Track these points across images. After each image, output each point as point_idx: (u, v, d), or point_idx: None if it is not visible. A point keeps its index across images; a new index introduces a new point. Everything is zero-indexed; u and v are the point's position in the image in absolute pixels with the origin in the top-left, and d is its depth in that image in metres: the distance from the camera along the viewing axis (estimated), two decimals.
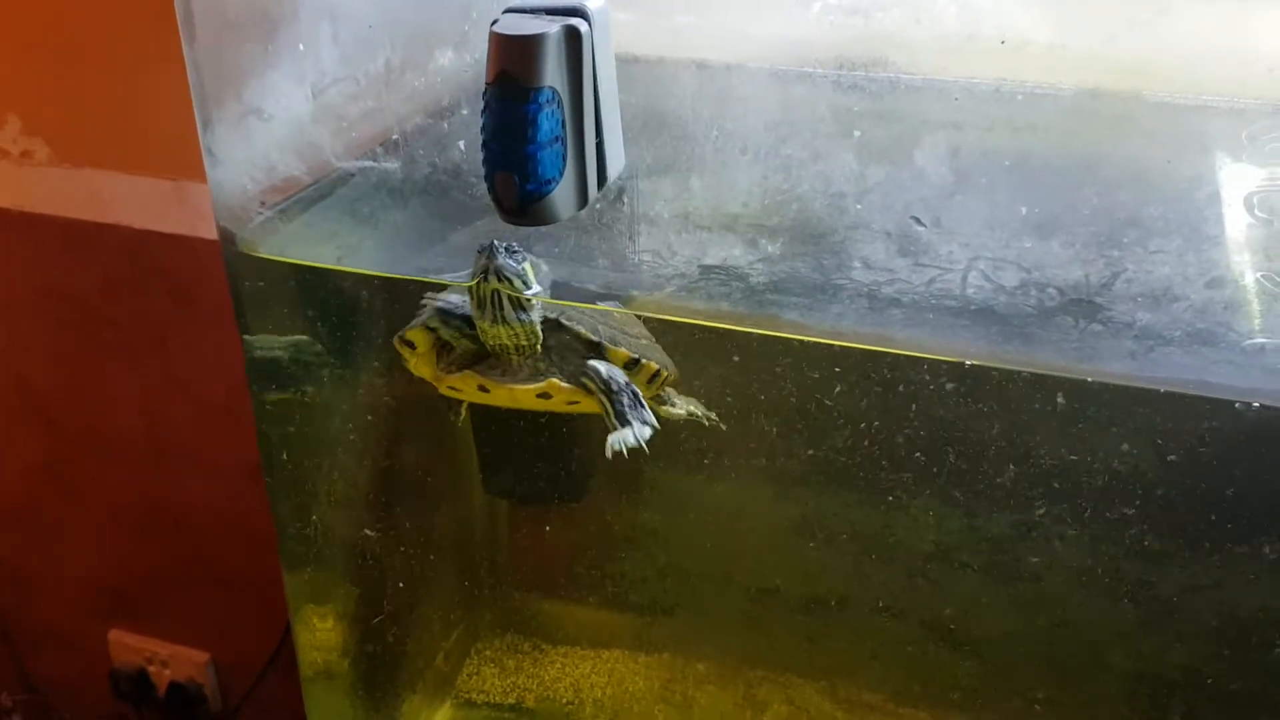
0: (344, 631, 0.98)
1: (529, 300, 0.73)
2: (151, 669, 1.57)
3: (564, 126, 0.64)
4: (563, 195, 0.66)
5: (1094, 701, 0.89)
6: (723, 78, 0.85)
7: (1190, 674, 0.87)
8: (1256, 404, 0.61)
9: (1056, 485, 0.80)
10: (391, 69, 0.88)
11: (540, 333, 0.75)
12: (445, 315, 0.77)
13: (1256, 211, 0.75)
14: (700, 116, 0.79)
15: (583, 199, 0.67)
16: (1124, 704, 0.90)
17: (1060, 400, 0.74)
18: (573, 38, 0.63)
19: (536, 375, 0.77)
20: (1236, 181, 0.78)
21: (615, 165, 0.70)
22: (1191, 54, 0.81)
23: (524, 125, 0.63)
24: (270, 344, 0.85)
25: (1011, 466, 0.80)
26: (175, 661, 1.56)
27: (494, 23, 0.64)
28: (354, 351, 0.88)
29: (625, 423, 0.77)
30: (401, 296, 0.81)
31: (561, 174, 0.65)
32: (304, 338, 0.85)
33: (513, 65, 0.62)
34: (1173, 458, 0.75)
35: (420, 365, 0.81)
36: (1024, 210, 0.66)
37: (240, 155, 0.78)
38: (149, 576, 1.53)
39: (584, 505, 1.02)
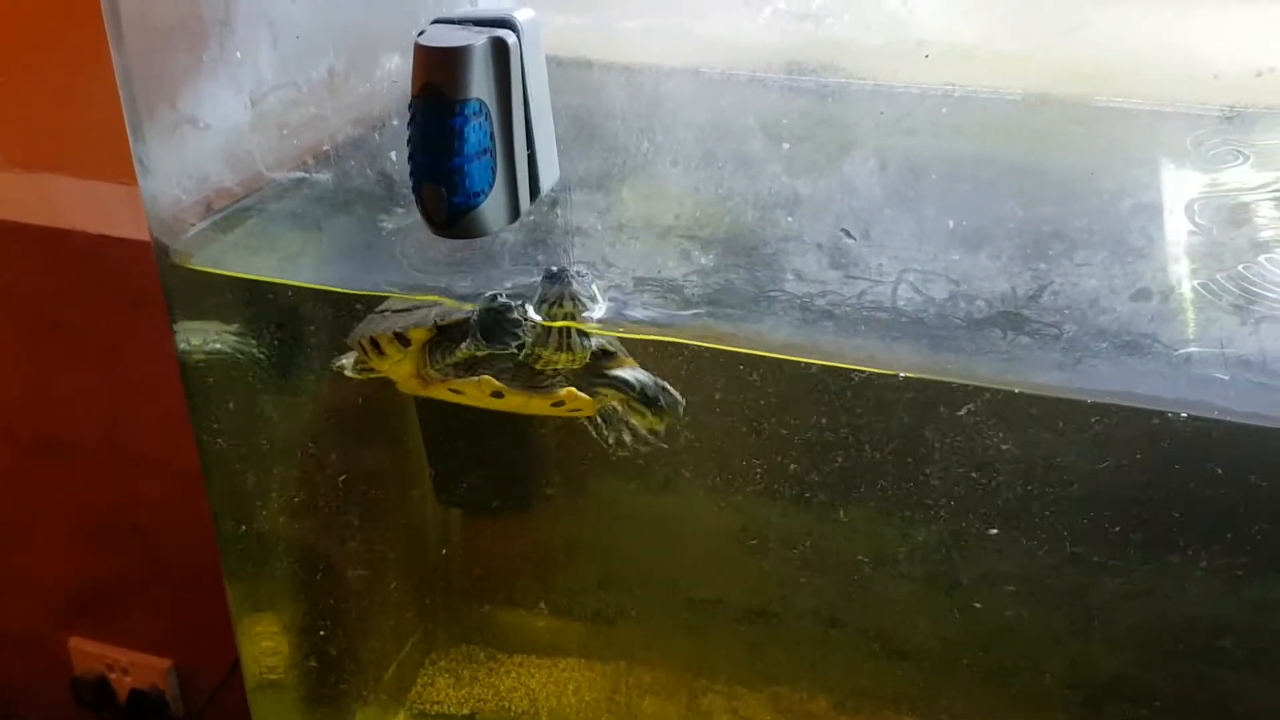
0: (291, 642, 0.97)
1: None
2: (113, 676, 1.56)
3: (492, 139, 0.64)
4: (493, 208, 0.65)
5: (1032, 708, 0.90)
6: (667, 83, 0.84)
7: (1124, 681, 0.87)
8: (1184, 414, 0.61)
9: (991, 495, 0.80)
10: (335, 75, 0.87)
11: (590, 353, 0.75)
12: (493, 331, 0.73)
13: (1197, 219, 0.75)
14: (642, 124, 0.78)
15: (514, 211, 0.67)
16: (1061, 711, 0.90)
17: (992, 411, 0.74)
18: (500, 50, 0.63)
19: (555, 384, 0.77)
20: (1179, 188, 0.78)
21: (549, 177, 0.69)
22: (1140, 59, 0.81)
23: (450, 138, 0.62)
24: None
25: (946, 476, 0.80)
26: (136, 669, 1.55)
27: (420, 34, 0.64)
28: (294, 361, 0.88)
29: (658, 407, 0.78)
30: (339, 307, 0.81)
31: (491, 186, 0.64)
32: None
33: (438, 77, 0.62)
34: (1104, 468, 0.75)
35: (403, 364, 0.78)
36: (950, 223, 0.65)
37: (174, 165, 0.78)
38: (109, 583, 1.52)
39: (536, 515, 1.02)
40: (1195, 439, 0.67)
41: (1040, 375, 0.62)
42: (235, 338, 0.83)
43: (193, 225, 0.78)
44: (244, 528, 0.89)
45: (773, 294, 0.67)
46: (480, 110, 0.63)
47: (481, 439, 0.99)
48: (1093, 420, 0.71)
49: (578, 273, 0.70)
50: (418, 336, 0.76)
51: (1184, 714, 0.86)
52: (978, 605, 0.85)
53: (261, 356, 0.84)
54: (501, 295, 0.72)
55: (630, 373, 0.78)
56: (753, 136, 0.74)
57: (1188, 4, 0.81)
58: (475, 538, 1.09)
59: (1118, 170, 0.80)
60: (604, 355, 0.77)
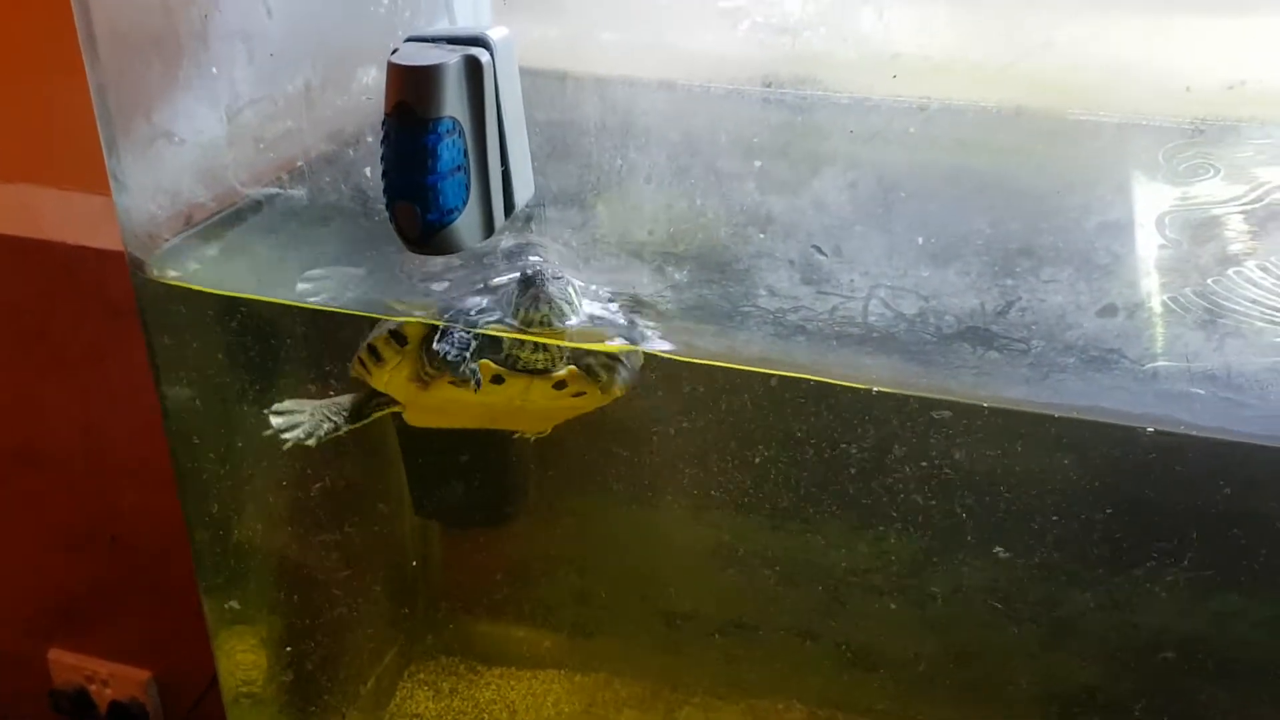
0: (269, 655, 0.97)
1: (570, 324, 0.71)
2: (92, 688, 1.55)
3: (466, 156, 0.64)
4: (467, 224, 0.65)
5: (1007, 717, 0.90)
6: (645, 96, 0.85)
7: (1093, 691, 0.88)
8: (1150, 429, 0.61)
9: (962, 510, 0.80)
10: (312, 90, 0.87)
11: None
12: (448, 352, 0.74)
13: (1167, 233, 0.76)
14: (619, 139, 0.78)
15: (489, 228, 0.67)
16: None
17: (964, 426, 0.74)
18: (473, 68, 0.63)
19: (551, 366, 0.76)
20: (1150, 202, 0.79)
21: (524, 193, 0.69)
22: (1113, 72, 0.82)
23: (424, 155, 0.62)
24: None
25: (920, 491, 0.81)
26: (116, 680, 1.54)
27: (393, 52, 0.64)
28: (267, 375, 0.88)
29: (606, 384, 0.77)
30: (316, 322, 0.81)
31: (465, 203, 0.65)
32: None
33: (411, 96, 0.62)
34: (1073, 482, 0.75)
35: (402, 366, 0.78)
36: (920, 240, 0.66)
37: (149, 180, 0.77)
38: (88, 594, 1.51)
39: (515, 528, 1.02)
40: (1163, 453, 0.67)
41: (1009, 389, 0.62)
42: (209, 352, 0.83)
43: (167, 240, 0.77)
44: (220, 541, 0.89)
45: (746, 309, 0.67)
46: (454, 128, 0.63)
47: (459, 452, 0.99)
48: (1061, 434, 0.72)
49: (554, 275, 0.69)
50: (414, 332, 0.76)
51: None
52: (949, 617, 0.86)
53: (235, 370, 0.84)
54: (453, 315, 0.72)
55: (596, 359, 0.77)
56: (727, 151, 0.74)
57: (1161, 18, 0.82)
58: (454, 551, 1.09)
59: (1090, 184, 0.80)
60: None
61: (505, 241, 0.74)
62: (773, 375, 0.69)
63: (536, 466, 0.99)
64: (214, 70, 0.79)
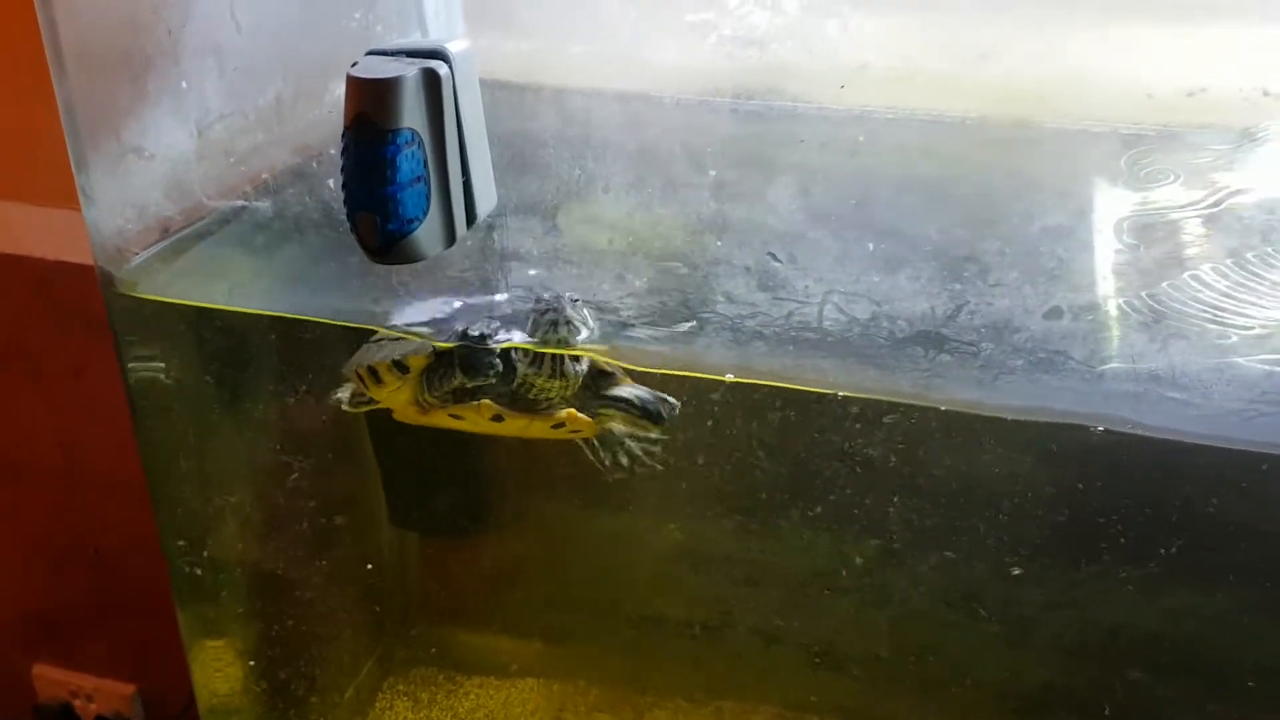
0: (245, 667, 0.97)
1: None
2: (77, 703, 1.55)
3: (426, 166, 0.65)
4: (428, 234, 0.66)
5: (968, 715, 0.91)
6: (615, 108, 0.86)
7: (1052, 688, 0.88)
8: (1100, 429, 0.62)
9: (921, 511, 0.81)
10: (283, 103, 0.88)
11: (581, 378, 0.75)
12: (474, 363, 0.75)
13: (1125, 238, 0.77)
14: (588, 149, 0.79)
15: (450, 237, 0.68)
16: (994, 717, 0.91)
17: (920, 428, 0.75)
18: (431, 80, 0.64)
19: (555, 406, 0.77)
20: (1110, 207, 0.80)
21: (486, 203, 0.70)
22: (1077, 80, 0.83)
23: (383, 166, 0.63)
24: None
25: (880, 493, 0.82)
26: (101, 695, 1.54)
27: (353, 65, 0.65)
28: (240, 387, 0.88)
29: (660, 419, 0.78)
30: (285, 334, 0.81)
31: (425, 213, 0.66)
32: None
33: (370, 108, 0.63)
34: (1028, 482, 0.76)
35: (402, 391, 0.79)
36: (871, 247, 0.67)
37: (119, 195, 0.78)
38: (72, 609, 1.51)
39: (490, 537, 1.03)
40: (1114, 452, 0.68)
41: (961, 392, 0.63)
42: (180, 364, 0.84)
43: (136, 253, 0.78)
44: (193, 553, 0.89)
45: (705, 315, 0.68)
46: (413, 139, 0.64)
47: (436, 463, 1.00)
48: (1015, 435, 0.73)
49: (570, 299, 0.70)
50: (416, 364, 0.77)
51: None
52: (911, 616, 0.86)
53: (207, 382, 0.85)
54: (481, 328, 0.73)
55: (630, 390, 0.78)
56: (688, 162, 0.75)
57: (1122, 27, 0.83)
58: (431, 560, 1.09)
59: (1051, 191, 0.82)
60: (601, 376, 0.77)
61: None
62: (733, 380, 0.69)
63: (510, 475, 1.00)
64: (184, 85, 0.80)
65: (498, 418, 0.77)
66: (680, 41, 0.86)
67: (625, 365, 0.75)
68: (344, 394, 0.85)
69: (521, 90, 0.87)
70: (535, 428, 0.78)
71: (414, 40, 0.68)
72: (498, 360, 0.74)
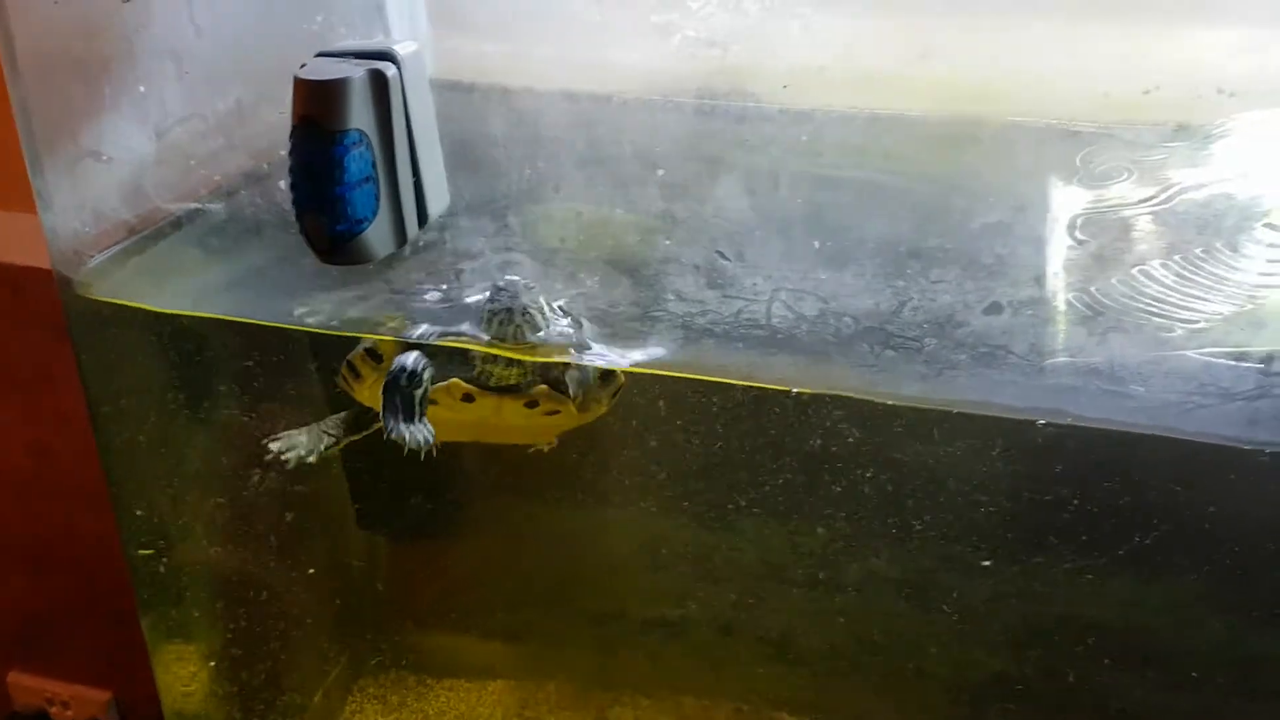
0: (210, 673, 0.97)
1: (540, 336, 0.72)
2: (53, 710, 1.54)
3: (375, 167, 0.65)
4: (377, 234, 0.66)
5: (921, 705, 0.91)
6: (578, 109, 0.86)
7: (1001, 677, 0.89)
8: (1042, 422, 0.63)
9: (872, 505, 0.82)
10: (244, 106, 0.88)
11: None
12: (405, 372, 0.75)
13: (1078, 234, 0.78)
14: (549, 150, 0.80)
15: (401, 237, 0.68)
16: (948, 710, 0.92)
17: (869, 422, 0.76)
18: (379, 81, 0.64)
19: (527, 384, 0.77)
20: (1064, 204, 0.81)
21: (438, 203, 0.71)
22: (1035, 80, 0.83)
23: (330, 167, 0.63)
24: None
25: (832, 487, 0.82)
26: (77, 702, 1.53)
27: (301, 67, 0.65)
28: (199, 389, 0.88)
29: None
30: (243, 336, 0.81)
31: (375, 214, 0.66)
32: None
33: (316, 110, 0.63)
34: (978, 475, 0.77)
35: (379, 381, 0.78)
36: (816, 244, 0.68)
37: (76, 199, 0.78)
38: (46, 616, 1.50)
39: (458, 539, 1.03)
40: (1060, 444, 0.69)
41: (907, 386, 0.64)
42: (138, 366, 0.84)
43: (93, 257, 0.78)
44: (156, 559, 0.89)
45: (656, 314, 0.68)
46: (361, 140, 0.64)
47: (401, 467, 1.00)
48: (963, 428, 0.73)
49: (526, 286, 0.70)
50: (389, 350, 0.77)
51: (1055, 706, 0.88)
52: (864, 609, 0.87)
53: (165, 385, 0.85)
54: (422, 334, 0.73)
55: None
56: (641, 161, 0.76)
57: (1080, 27, 0.84)
58: (399, 564, 1.09)
59: (1007, 189, 0.82)
60: (607, 376, 0.77)
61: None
62: (686, 377, 0.70)
63: (476, 478, 1.00)
64: (142, 89, 0.81)
65: (468, 397, 0.77)
66: (645, 42, 0.86)
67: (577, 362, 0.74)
68: (286, 448, 0.86)
69: (487, 92, 0.87)
70: (508, 408, 0.77)
71: (362, 42, 0.68)
72: (417, 383, 0.75)
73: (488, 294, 0.72)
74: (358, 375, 0.80)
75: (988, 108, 0.84)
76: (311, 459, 0.86)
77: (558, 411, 0.78)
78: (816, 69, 0.86)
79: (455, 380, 0.76)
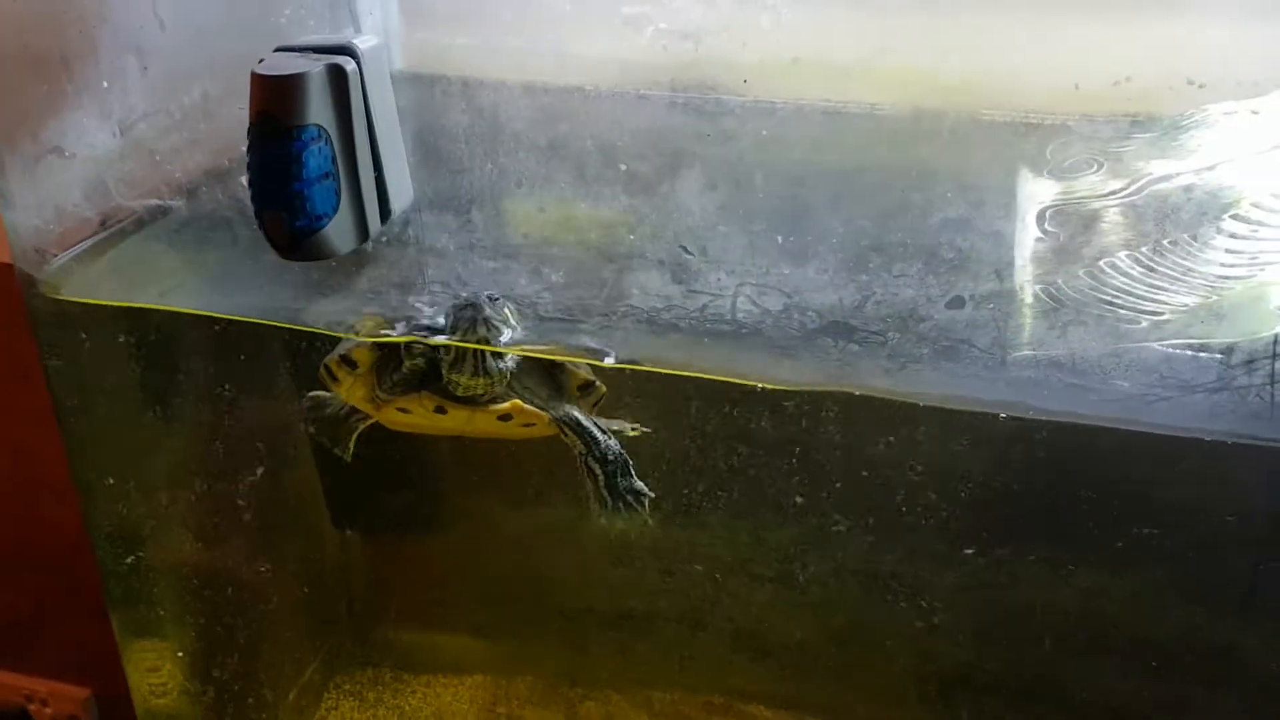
0: (183, 671, 0.96)
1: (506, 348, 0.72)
2: (32, 707, 1.54)
3: (335, 163, 0.65)
4: (338, 230, 0.66)
5: (890, 698, 0.92)
6: (546, 102, 0.86)
7: (969, 668, 0.89)
8: (1003, 415, 0.63)
9: (838, 498, 0.82)
10: (210, 100, 0.87)
11: (509, 374, 0.75)
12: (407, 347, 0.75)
13: (1047, 226, 0.78)
14: (516, 142, 0.79)
15: (363, 233, 0.68)
16: (916, 701, 0.92)
17: (833, 417, 0.76)
18: (337, 76, 0.64)
19: (497, 397, 0.76)
20: (1033, 197, 0.81)
21: (401, 198, 0.70)
22: (1006, 72, 0.83)
23: (289, 163, 0.63)
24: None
25: (797, 480, 0.82)
26: (55, 699, 1.52)
27: (259, 62, 0.65)
28: (167, 386, 0.88)
29: (617, 494, 0.78)
30: (211, 332, 0.81)
31: (335, 209, 0.65)
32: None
33: (274, 105, 0.63)
34: (943, 467, 0.77)
35: (356, 387, 0.79)
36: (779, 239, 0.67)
37: (38, 196, 0.77)
38: (25, 613, 1.50)
39: (433, 536, 1.02)
40: (1023, 437, 0.69)
41: (871, 380, 0.64)
42: (103, 363, 0.83)
43: (57, 255, 0.78)
44: (125, 556, 0.89)
45: (621, 309, 0.68)
46: (319, 135, 0.64)
47: (374, 463, 0.99)
48: (927, 421, 0.73)
49: (490, 298, 0.70)
50: (362, 357, 0.77)
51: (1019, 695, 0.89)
52: (830, 601, 0.87)
53: (130, 382, 0.84)
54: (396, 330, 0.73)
55: (602, 432, 0.78)
56: (607, 156, 0.75)
57: (1049, 19, 0.84)
58: (374, 560, 1.09)
59: (977, 182, 0.82)
60: (586, 388, 0.77)
61: None
62: (651, 372, 0.69)
63: (449, 475, 1.00)
64: (105, 84, 0.80)
65: (440, 409, 0.77)
66: (617, 35, 0.86)
67: (590, 362, 0.74)
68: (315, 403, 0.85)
69: (457, 85, 0.87)
70: (480, 419, 0.77)
71: (322, 37, 0.67)
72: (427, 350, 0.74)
73: (451, 307, 0.71)
74: (334, 379, 0.80)
75: (958, 100, 0.84)
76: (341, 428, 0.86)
77: (533, 424, 0.79)
78: (789, 61, 0.85)
79: (426, 393, 0.76)
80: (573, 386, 0.78)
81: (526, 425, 0.79)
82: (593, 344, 0.68)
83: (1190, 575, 0.80)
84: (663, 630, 0.96)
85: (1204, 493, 0.75)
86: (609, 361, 0.69)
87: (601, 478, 0.78)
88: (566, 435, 0.79)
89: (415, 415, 0.79)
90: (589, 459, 0.78)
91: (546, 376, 0.78)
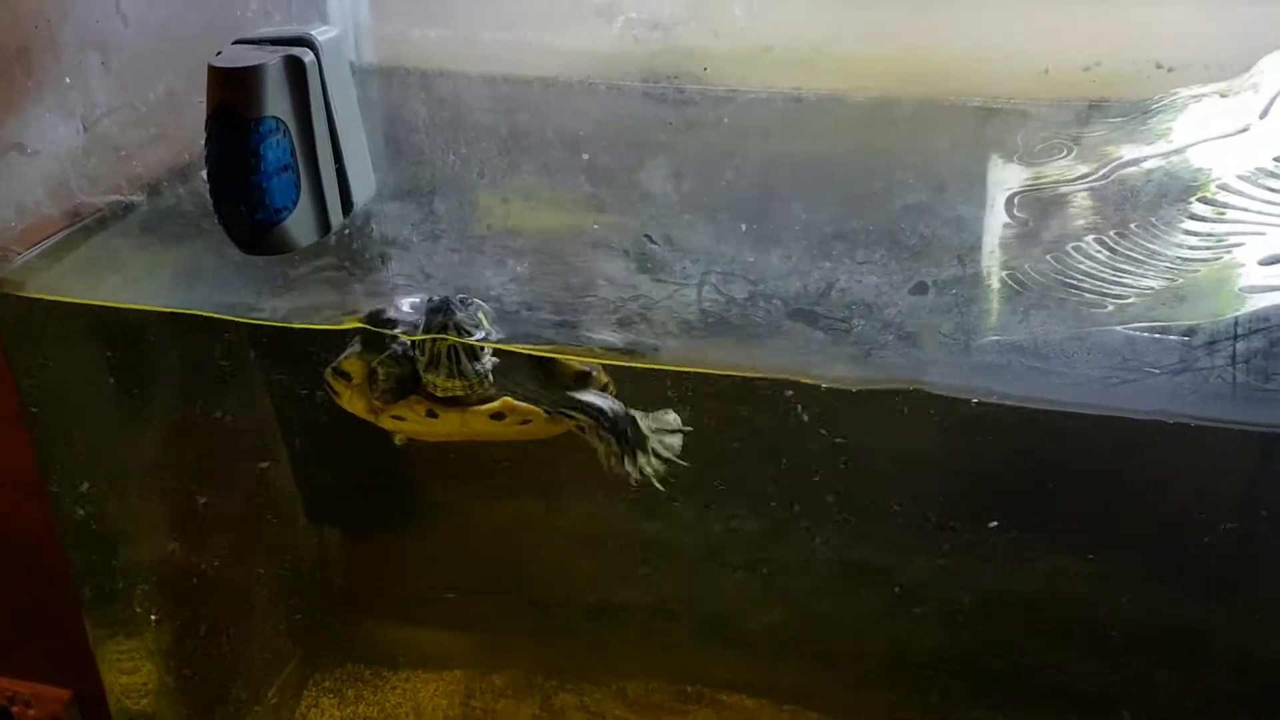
0: (159, 670, 0.96)
1: (482, 349, 0.72)
2: (15, 709, 1.53)
3: (294, 155, 0.64)
4: (299, 223, 0.65)
5: (861, 684, 0.92)
6: (516, 93, 0.85)
7: (941, 653, 0.89)
8: (975, 400, 0.63)
9: (807, 486, 0.82)
10: (176, 96, 0.87)
11: (491, 376, 0.74)
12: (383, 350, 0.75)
13: (1015, 212, 0.78)
14: (455, 134, 0.79)
15: (324, 226, 0.67)
16: (887, 687, 0.92)
17: (801, 404, 0.75)
18: (295, 68, 0.63)
19: (487, 397, 0.76)
20: (1003, 182, 0.81)
21: (363, 191, 0.70)
22: (976, 58, 0.83)
23: (247, 156, 0.62)
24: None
25: (766, 470, 0.82)
26: (38, 700, 1.51)
27: (217, 55, 0.64)
28: (134, 385, 0.87)
29: (634, 454, 0.77)
30: (177, 330, 0.80)
31: (295, 203, 0.65)
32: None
33: (232, 97, 0.62)
34: (910, 453, 0.77)
35: (355, 398, 0.79)
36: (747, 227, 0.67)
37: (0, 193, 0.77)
38: (5, 613, 1.49)
39: (410, 533, 1.02)
40: (990, 422, 0.69)
41: (838, 368, 0.63)
42: (72, 363, 0.83)
43: (19, 253, 0.77)
44: (98, 556, 0.88)
45: (587, 300, 0.68)
46: (278, 128, 0.63)
47: (348, 458, 0.99)
48: (896, 407, 0.73)
49: (462, 300, 0.69)
50: (354, 368, 0.77)
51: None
52: (801, 590, 0.87)
53: (100, 379, 0.84)
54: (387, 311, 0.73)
55: (602, 399, 0.77)
56: (569, 145, 0.75)
57: (1022, 3, 0.84)
58: (351, 556, 1.09)
59: (946, 167, 0.82)
60: (582, 378, 0.77)
61: None
62: (620, 364, 0.69)
63: (426, 471, 0.99)
64: (67, 80, 0.79)
65: (431, 413, 0.77)
66: (587, 26, 0.86)
67: (595, 360, 0.74)
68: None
69: (426, 77, 0.86)
70: (474, 421, 0.77)
71: (280, 29, 0.67)
72: (398, 346, 0.74)
73: (422, 308, 0.71)
74: (334, 391, 0.79)
75: (930, 87, 0.84)
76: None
77: (529, 420, 0.78)
78: (760, 50, 0.85)
79: (414, 396, 0.76)
80: (566, 377, 0.78)
81: (524, 423, 0.78)
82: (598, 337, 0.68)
83: (1154, 557, 0.80)
84: (637, 621, 0.95)
85: (1165, 475, 0.75)
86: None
87: (615, 442, 0.77)
88: (572, 419, 0.78)
89: (411, 422, 0.79)
90: (600, 431, 0.77)
91: (535, 369, 0.77)
